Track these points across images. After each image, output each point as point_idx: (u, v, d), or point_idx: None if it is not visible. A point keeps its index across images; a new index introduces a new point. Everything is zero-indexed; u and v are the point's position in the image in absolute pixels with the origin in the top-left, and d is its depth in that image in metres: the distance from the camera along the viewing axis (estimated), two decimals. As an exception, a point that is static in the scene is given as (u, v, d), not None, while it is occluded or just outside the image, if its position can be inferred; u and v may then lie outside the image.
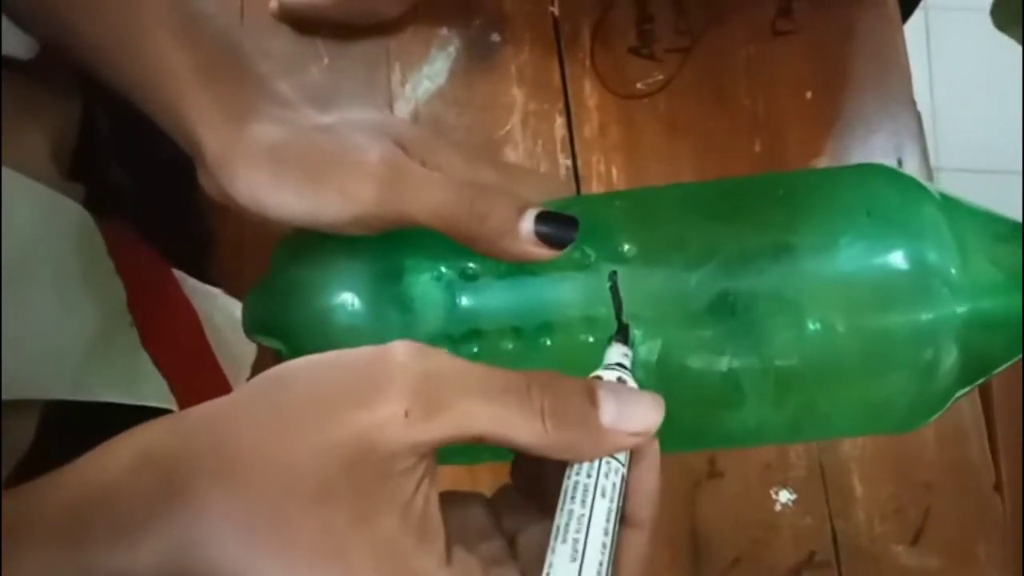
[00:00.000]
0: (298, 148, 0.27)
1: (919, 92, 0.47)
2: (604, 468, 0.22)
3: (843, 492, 0.44)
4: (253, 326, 0.29)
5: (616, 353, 0.25)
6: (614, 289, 0.26)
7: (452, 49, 0.48)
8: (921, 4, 0.58)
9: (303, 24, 0.47)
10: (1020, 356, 0.27)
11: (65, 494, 0.20)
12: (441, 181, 0.26)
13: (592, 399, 0.22)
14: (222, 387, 0.36)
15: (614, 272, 0.26)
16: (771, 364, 0.27)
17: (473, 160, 0.28)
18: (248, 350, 0.38)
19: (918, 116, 0.46)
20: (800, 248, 0.27)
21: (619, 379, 0.24)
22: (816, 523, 0.44)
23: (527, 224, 0.26)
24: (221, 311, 0.38)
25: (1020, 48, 0.53)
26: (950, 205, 0.28)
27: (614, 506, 0.22)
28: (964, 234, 0.27)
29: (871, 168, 0.30)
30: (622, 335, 0.25)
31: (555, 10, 0.48)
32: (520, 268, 0.27)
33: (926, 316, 0.26)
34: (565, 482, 0.22)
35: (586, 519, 0.21)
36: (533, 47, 0.47)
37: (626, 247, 0.27)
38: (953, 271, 0.26)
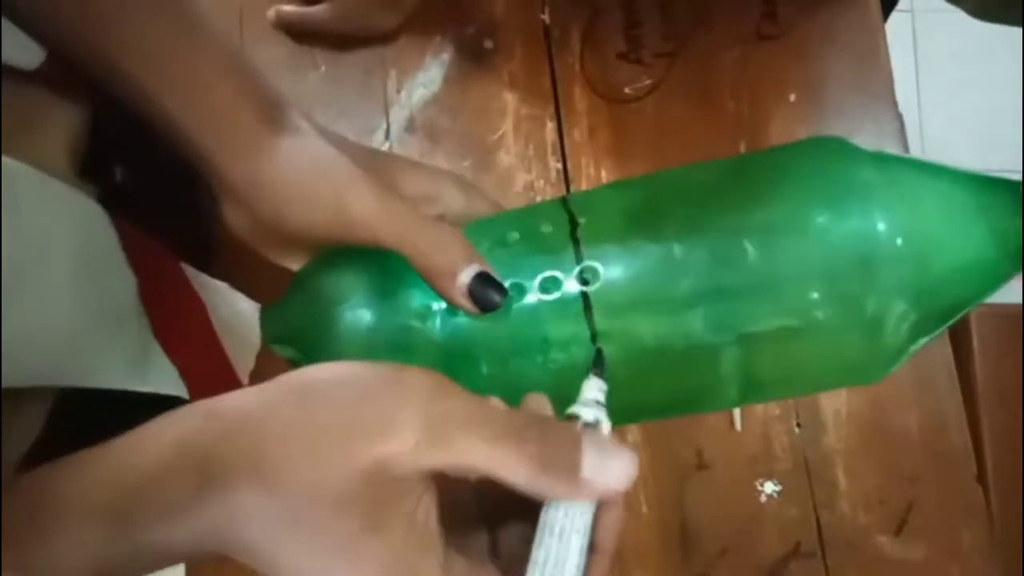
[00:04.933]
0: (314, 169, 0.31)
1: (905, 94, 0.48)
2: (579, 508, 0.25)
3: (827, 484, 0.45)
4: (272, 337, 0.32)
5: (593, 388, 0.27)
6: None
7: (446, 56, 0.49)
8: (908, 7, 0.59)
9: (300, 34, 0.48)
10: (971, 308, 0.29)
11: (108, 475, 0.23)
12: (407, 213, 0.30)
13: (577, 449, 0.24)
14: (229, 375, 0.38)
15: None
16: (735, 332, 0.29)
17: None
18: (253, 340, 0.40)
19: (899, 117, 0.47)
20: (751, 223, 0.29)
21: (596, 420, 0.26)
22: (801, 514, 0.44)
23: (464, 277, 0.29)
24: (227, 304, 0.39)
25: (1006, 50, 0.53)
26: (892, 166, 0.29)
27: (586, 541, 0.25)
28: (906, 193, 0.28)
29: (814, 143, 0.31)
30: (598, 364, 0.28)
31: (546, 17, 0.49)
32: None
33: (875, 278, 0.28)
34: (543, 514, 0.25)
35: (563, 556, 0.24)
36: (524, 53, 0.49)
37: (583, 220, 0.30)
38: (898, 233, 0.28)
